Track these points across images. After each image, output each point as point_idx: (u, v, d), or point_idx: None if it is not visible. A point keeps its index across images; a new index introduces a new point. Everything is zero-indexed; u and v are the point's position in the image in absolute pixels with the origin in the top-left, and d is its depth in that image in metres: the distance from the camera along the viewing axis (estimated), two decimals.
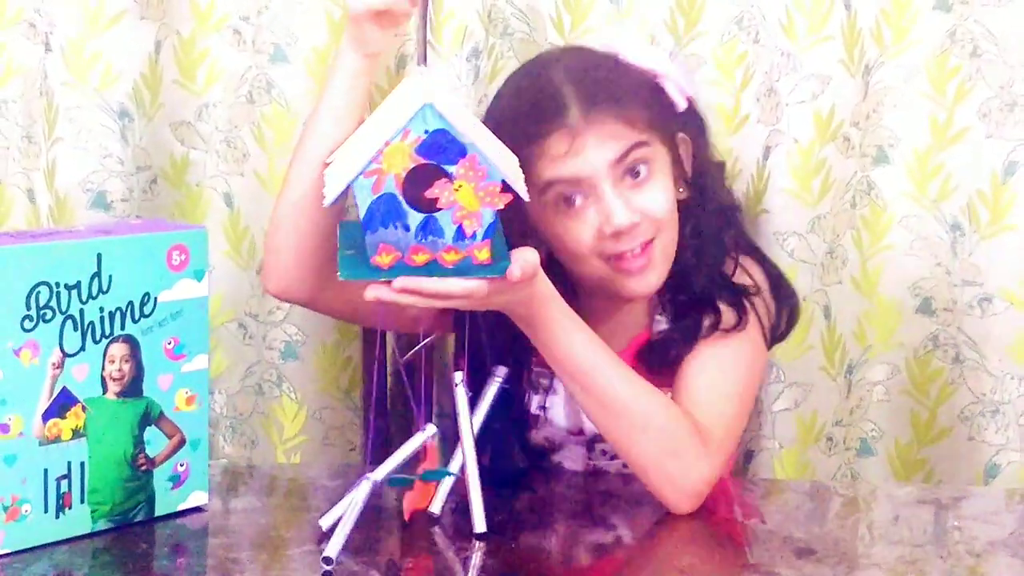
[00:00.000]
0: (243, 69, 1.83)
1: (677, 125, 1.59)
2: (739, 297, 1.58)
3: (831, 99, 1.81)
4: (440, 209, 1.29)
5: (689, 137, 1.61)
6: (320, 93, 1.53)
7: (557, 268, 1.55)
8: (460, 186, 1.28)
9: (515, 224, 1.47)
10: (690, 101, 1.62)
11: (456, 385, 1.40)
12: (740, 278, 1.61)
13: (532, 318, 1.42)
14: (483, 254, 1.31)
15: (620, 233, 1.50)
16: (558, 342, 1.43)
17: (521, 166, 1.48)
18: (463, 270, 1.31)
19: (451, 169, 1.28)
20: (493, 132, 1.50)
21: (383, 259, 1.30)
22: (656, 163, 1.54)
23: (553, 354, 1.45)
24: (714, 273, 1.59)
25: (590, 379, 1.44)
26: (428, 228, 1.29)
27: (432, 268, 1.30)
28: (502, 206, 1.30)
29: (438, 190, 1.28)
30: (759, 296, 1.60)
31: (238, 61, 1.83)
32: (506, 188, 1.30)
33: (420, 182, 1.28)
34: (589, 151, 1.50)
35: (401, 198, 1.28)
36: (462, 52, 1.79)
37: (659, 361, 1.56)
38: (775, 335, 1.64)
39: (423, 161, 1.27)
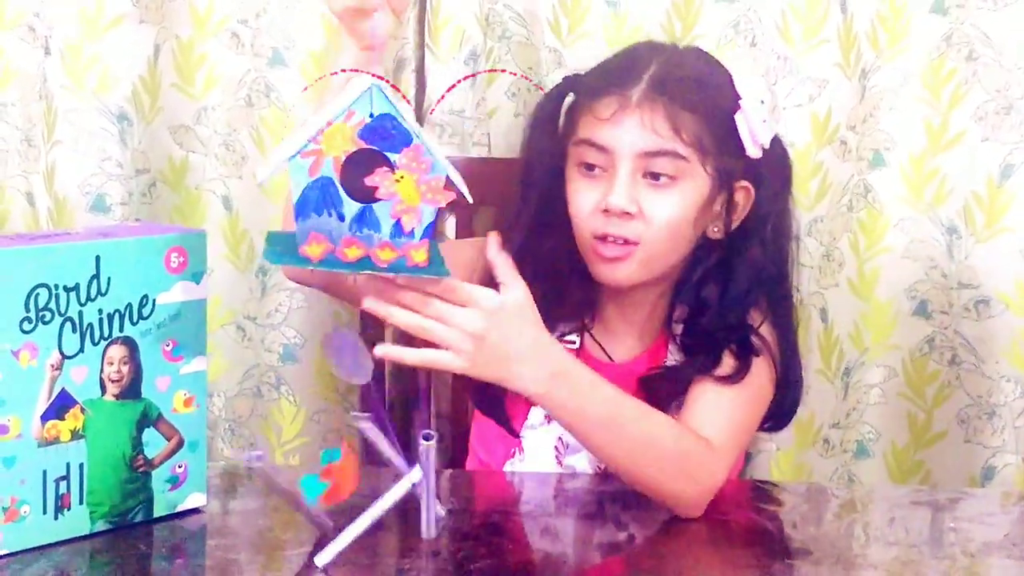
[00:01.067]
0: (241, 73, 1.84)
1: (740, 170, 1.54)
2: (747, 353, 1.55)
3: (827, 102, 1.82)
4: (378, 200, 1.21)
5: (753, 187, 1.56)
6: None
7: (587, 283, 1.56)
8: (402, 176, 1.21)
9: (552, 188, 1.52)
10: (776, 160, 1.57)
11: (423, 447, 1.29)
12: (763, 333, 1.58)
13: (548, 396, 1.37)
14: (419, 255, 1.23)
15: (610, 212, 1.49)
16: (577, 416, 1.39)
17: (573, 114, 1.54)
18: (396, 270, 1.23)
19: (394, 158, 1.21)
20: (585, 78, 1.56)
21: (313, 249, 1.22)
22: (683, 182, 1.50)
23: (574, 428, 1.41)
24: (732, 321, 1.56)
25: (610, 434, 1.41)
26: (364, 220, 1.21)
27: (364, 265, 1.23)
28: (444, 204, 1.22)
29: (378, 178, 1.20)
30: (780, 361, 1.57)
31: (236, 65, 1.84)
32: (449, 185, 1.23)
33: (360, 169, 1.20)
34: (627, 128, 1.49)
35: (339, 184, 1.21)
36: (460, 55, 1.80)
37: (660, 393, 1.55)
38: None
39: (365, 145, 1.21)
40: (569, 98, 1.59)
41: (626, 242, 1.51)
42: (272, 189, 1.84)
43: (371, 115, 1.20)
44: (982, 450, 1.85)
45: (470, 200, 1.26)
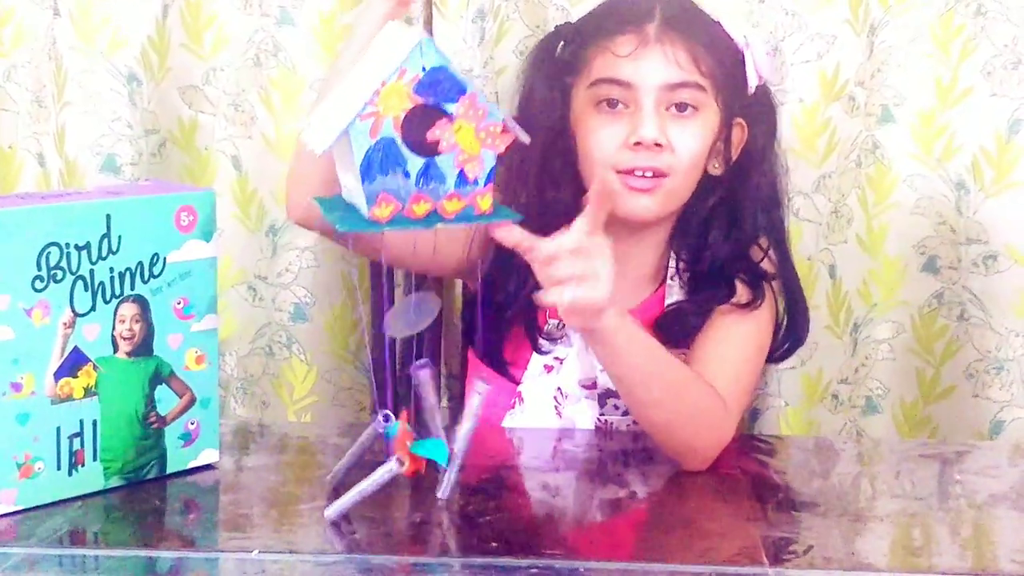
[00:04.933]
0: (250, 32, 1.84)
1: (738, 106, 1.59)
2: (758, 279, 1.60)
3: (836, 58, 1.82)
4: (441, 152, 1.23)
5: (746, 124, 1.61)
6: (347, 36, 1.52)
7: None
8: (460, 127, 1.22)
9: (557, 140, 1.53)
10: (763, 97, 1.62)
11: (476, 394, 1.34)
12: (764, 267, 1.63)
13: (604, 330, 1.39)
14: (485, 202, 1.26)
15: (640, 146, 1.52)
16: (627, 352, 1.42)
17: (582, 57, 1.54)
18: (465, 219, 1.26)
19: (451, 108, 1.22)
20: (581, 23, 1.57)
21: (382, 211, 1.23)
22: (702, 113, 1.55)
23: (620, 364, 1.43)
24: (737, 253, 1.61)
25: (651, 383, 1.44)
26: (429, 174, 1.23)
27: (432, 219, 1.25)
28: (503, 148, 1.24)
29: (439, 131, 1.22)
30: (776, 282, 1.62)
31: (245, 24, 1.84)
32: (506, 129, 1.25)
33: (419, 124, 1.22)
34: (650, 62, 1.52)
35: (400, 142, 1.22)
36: (467, 13, 1.80)
37: (676, 332, 1.59)
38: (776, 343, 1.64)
39: (422, 101, 1.22)
40: (560, 46, 1.60)
41: (655, 174, 1.53)
42: (281, 147, 1.84)
43: (423, 69, 1.21)
44: (990, 404, 1.85)
45: (527, 141, 1.27)
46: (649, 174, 1.53)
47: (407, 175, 1.23)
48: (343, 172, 1.29)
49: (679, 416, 1.45)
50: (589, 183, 1.54)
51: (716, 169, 1.59)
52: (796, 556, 1.25)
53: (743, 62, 1.58)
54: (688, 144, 1.54)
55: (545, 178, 1.56)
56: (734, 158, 1.60)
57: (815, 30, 1.81)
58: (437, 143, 1.23)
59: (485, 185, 1.25)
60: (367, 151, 1.21)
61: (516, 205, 1.37)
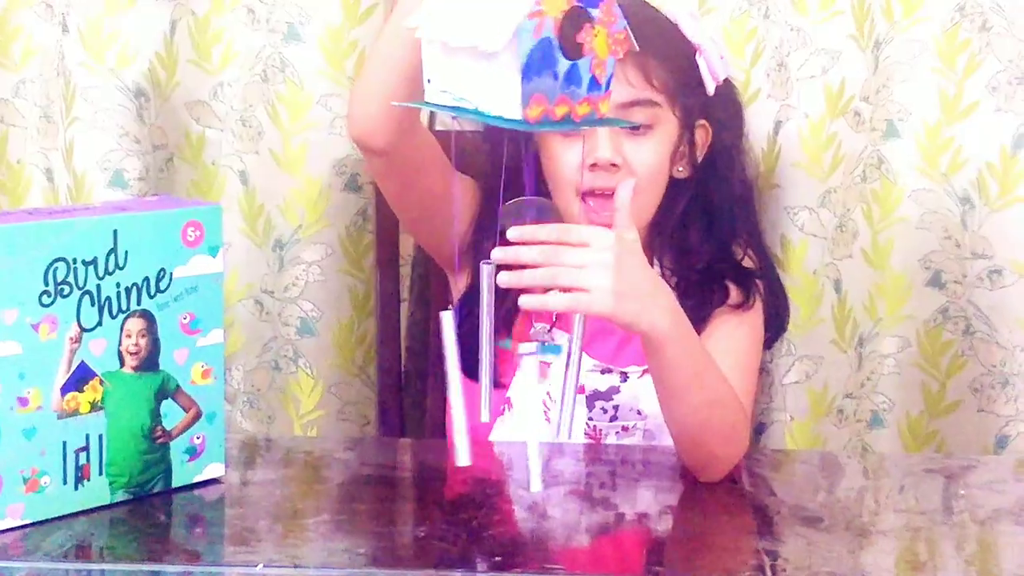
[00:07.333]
0: (257, 48, 1.85)
1: (699, 109, 1.60)
2: (747, 278, 1.61)
3: (841, 74, 1.82)
4: (583, 56, 1.23)
5: (710, 126, 1.63)
6: None
7: None
8: (598, 32, 1.23)
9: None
10: (727, 95, 1.64)
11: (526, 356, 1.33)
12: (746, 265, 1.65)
13: (671, 331, 1.38)
14: (605, 106, 1.25)
15: (597, 167, 1.53)
16: (682, 357, 1.41)
17: None
18: (589, 123, 1.25)
19: (594, 13, 1.23)
20: None
21: (533, 111, 1.21)
22: (658, 128, 1.56)
23: (673, 369, 1.42)
24: (722, 254, 1.63)
25: (697, 380, 1.43)
26: (571, 76, 1.23)
27: (567, 122, 1.24)
28: (622, 55, 1.25)
29: (585, 35, 1.22)
30: (764, 280, 1.63)
31: (252, 40, 1.85)
32: (627, 38, 1.25)
33: (568, 27, 1.22)
34: None
35: (556, 43, 1.21)
36: None
37: None
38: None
39: (575, 3, 1.22)
40: None
41: (614, 193, 1.53)
42: (288, 162, 1.85)
43: None
44: (996, 419, 1.85)
45: (637, 48, 1.27)
46: (610, 193, 1.53)
47: (555, 77, 1.22)
48: (475, 67, 1.25)
49: (712, 428, 1.44)
50: (557, 202, 1.55)
51: (681, 172, 1.61)
52: (800, 571, 1.25)
53: (697, 67, 1.59)
54: (645, 160, 1.55)
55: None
56: (700, 159, 1.62)
57: (820, 45, 1.82)
58: (583, 46, 1.23)
59: (605, 91, 1.25)
60: (530, 50, 1.20)
61: (496, 223, 1.37)
